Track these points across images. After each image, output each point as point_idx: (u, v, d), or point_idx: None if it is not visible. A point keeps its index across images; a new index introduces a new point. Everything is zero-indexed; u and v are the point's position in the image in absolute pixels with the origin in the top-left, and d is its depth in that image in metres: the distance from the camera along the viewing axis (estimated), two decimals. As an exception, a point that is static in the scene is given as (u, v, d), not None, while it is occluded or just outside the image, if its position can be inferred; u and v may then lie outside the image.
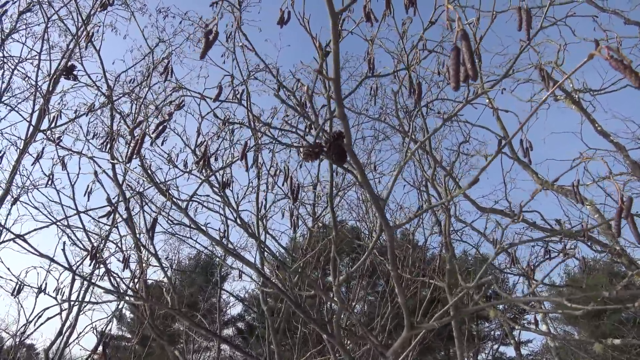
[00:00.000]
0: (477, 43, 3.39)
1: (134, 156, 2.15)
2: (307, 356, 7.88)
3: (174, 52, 8.93)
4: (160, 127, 2.19)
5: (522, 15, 1.99)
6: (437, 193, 6.31)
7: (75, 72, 3.93)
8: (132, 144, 2.01)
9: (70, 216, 6.04)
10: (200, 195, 5.44)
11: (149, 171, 3.61)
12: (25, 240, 3.76)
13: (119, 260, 4.92)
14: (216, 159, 5.51)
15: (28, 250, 3.71)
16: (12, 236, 4.09)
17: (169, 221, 4.83)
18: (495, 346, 21.31)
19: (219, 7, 6.67)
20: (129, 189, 6.04)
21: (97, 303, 6.67)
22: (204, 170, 4.01)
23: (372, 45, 3.69)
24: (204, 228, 4.27)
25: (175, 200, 3.83)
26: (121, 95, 6.91)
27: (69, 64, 4.14)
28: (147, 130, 2.00)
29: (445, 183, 6.88)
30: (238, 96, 3.51)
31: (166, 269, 5.93)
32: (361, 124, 8.82)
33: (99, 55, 6.26)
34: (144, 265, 5.18)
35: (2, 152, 5.86)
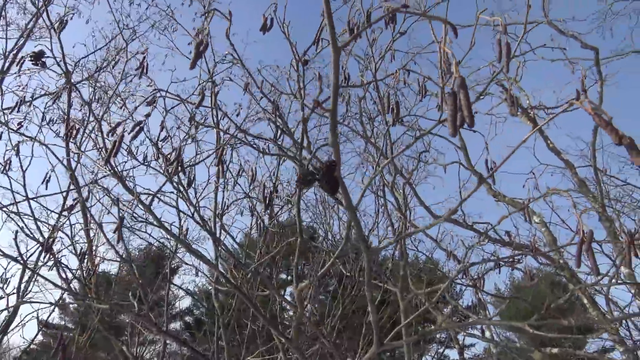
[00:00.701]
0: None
1: (111, 159, 2.10)
2: (255, 354, 7.87)
3: (138, 39, 8.73)
4: (137, 129, 2.15)
5: (502, 48, 2.06)
6: (394, 199, 6.42)
7: (44, 59, 3.76)
8: (109, 148, 1.96)
9: (19, 202, 5.80)
10: (165, 192, 5.33)
11: (115, 169, 3.51)
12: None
13: (72, 253, 4.78)
14: (178, 155, 5.41)
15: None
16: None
17: (134, 218, 4.72)
18: (441, 349, 21.86)
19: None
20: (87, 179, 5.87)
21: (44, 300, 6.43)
22: (170, 170, 3.94)
23: (348, 57, 3.74)
24: (168, 227, 4.19)
25: (140, 198, 3.75)
26: (81, 80, 6.69)
27: (38, 49, 3.95)
28: (124, 133, 1.96)
29: (404, 190, 7.01)
30: (212, 97, 3.47)
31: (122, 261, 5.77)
32: (323, 125, 8.88)
33: (58, 38, 6.03)
34: (98, 258, 5.04)
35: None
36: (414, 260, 11.66)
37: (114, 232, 3.19)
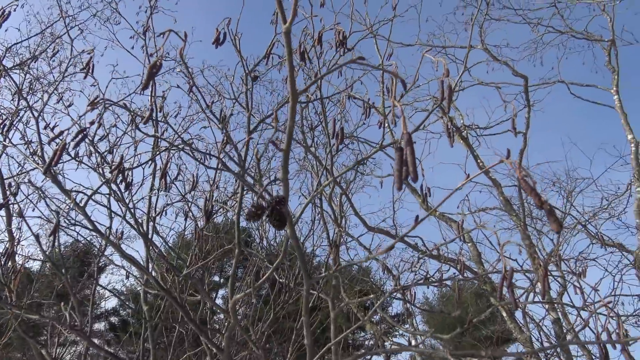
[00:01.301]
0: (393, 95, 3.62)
1: (52, 167, 2.04)
2: (182, 358, 7.74)
3: (78, 27, 8.40)
4: (80, 137, 2.10)
5: (444, 90, 2.19)
6: (331, 210, 6.54)
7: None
8: (52, 155, 1.90)
9: None
10: (99, 192, 5.16)
11: (52, 171, 3.37)
12: None
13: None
14: (111, 152, 5.27)
15: None
16: None
17: (67, 221, 4.54)
18: (368, 356, 22.29)
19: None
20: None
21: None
22: (111, 174, 3.84)
23: (297, 73, 3.79)
24: (103, 232, 4.07)
25: (76, 200, 3.63)
26: (13, 67, 6.37)
27: None
28: (65, 139, 1.91)
29: (341, 199, 7.15)
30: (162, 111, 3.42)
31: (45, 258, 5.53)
32: (264, 130, 8.91)
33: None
34: (22, 258, 4.81)
35: None
36: (345, 267, 11.87)
37: (49, 237, 3.09)
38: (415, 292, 4.61)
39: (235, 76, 5.31)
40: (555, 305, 7.32)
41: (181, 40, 2.67)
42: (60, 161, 5.58)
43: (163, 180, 3.21)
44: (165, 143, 3.75)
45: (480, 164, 9.09)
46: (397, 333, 16.79)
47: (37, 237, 4.17)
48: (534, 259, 7.40)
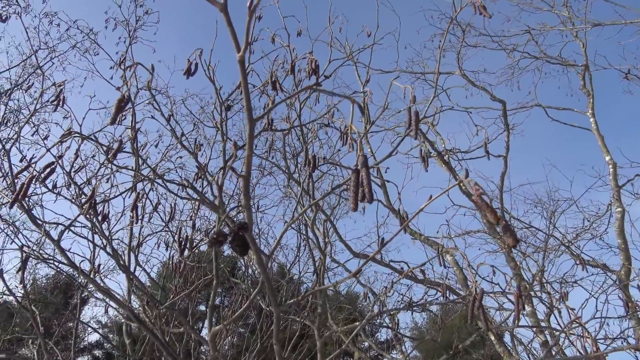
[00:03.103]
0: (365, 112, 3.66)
1: (18, 202, 2.02)
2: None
3: (56, 58, 8.41)
4: (48, 170, 2.08)
5: (411, 116, 2.22)
6: (314, 237, 6.52)
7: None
8: (17, 189, 1.88)
9: None
10: (76, 224, 5.09)
11: (24, 203, 3.33)
12: None
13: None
14: (89, 183, 5.22)
15: None
16: None
17: (39, 255, 4.45)
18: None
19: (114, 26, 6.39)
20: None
21: None
22: (84, 204, 3.79)
23: (272, 102, 3.84)
24: (80, 267, 4.00)
25: (49, 233, 3.57)
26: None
27: None
28: (33, 175, 1.88)
29: (325, 225, 7.13)
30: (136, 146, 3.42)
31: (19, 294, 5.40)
32: (223, 181, 8.89)
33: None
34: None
35: None
36: (334, 294, 11.78)
37: (17, 272, 3.02)
38: (398, 320, 4.58)
39: (215, 105, 5.34)
40: (542, 327, 7.31)
41: (157, 73, 2.68)
42: (38, 193, 5.51)
43: (134, 212, 3.18)
44: (142, 174, 3.73)
45: (463, 187, 9.16)
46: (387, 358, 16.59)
47: (1, 272, 4.08)
48: (520, 280, 7.42)
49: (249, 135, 1.72)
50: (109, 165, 3.79)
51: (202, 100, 10.96)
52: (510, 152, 9.61)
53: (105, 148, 3.49)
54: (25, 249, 3.57)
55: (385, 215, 9.19)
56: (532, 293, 7.25)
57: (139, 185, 3.79)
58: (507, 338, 8.09)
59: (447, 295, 5.44)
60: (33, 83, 6.96)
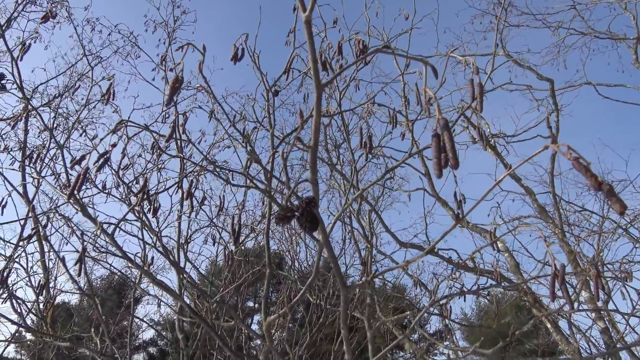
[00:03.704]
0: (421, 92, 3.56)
1: (75, 193, 2.04)
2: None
3: (101, 64, 8.63)
4: (102, 160, 2.10)
5: (474, 88, 2.12)
6: (360, 227, 6.46)
7: (4, 82, 3.69)
8: (73, 181, 1.90)
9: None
10: (128, 220, 5.21)
11: (78, 197, 3.41)
12: None
13: (28, 285, 4.59)
14: (137, 182, 5.32)
15: None
16: None
17: (95, 249, 4.58)
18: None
19: (154, 27, 6.51)
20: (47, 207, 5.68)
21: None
22: (136, 198, 3.85)
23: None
24: (132, 257, 4.08)
25: (103, 227, 3.65)
26: (40, 106, 6.55)
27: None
28: (88, 165, 1.91)
29: (370, 216, 7.05)
30: (184, 133, 3.44)
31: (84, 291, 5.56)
32: (289, 152, 8.90)
33: (15, 63, 5.91)
34: (56, 291, 4.85)
35: None
36: (381, 287, 11.67)
37: (75, 265, 3.09)
38: (450, 307, 4.44)
39: (256, 98, 5.35)
40: (602, 313, 7.00)
41: (197, 71, 2.67)
42: (89, 194, 5.66)
43: (189, 200, 3.19)
44: (191, 165, 3.75)
45: (511, 172, 8.89)
46: (437, 351, 16.35)
47: (63, 259, 4.20)
48: (576, 265, 7.12)
49: (317, 102, 1.66)
50: (161, 154, 3.82)
51: (242, 98, 11.03)
52: (559, 133, 9.24)
53: (157, 136, 3.52)
54: (84, 239, 3.66)
55: (431, 205, 9.03)
56: (590, 277, 6.93)
57: (186, 180, 3.82)
58: (563, 326, 7.80)
59: (500, 282, 5.25)
60: (79, 86, 7.16)
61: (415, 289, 8.43)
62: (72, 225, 4.55)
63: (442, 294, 6.68)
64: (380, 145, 5.59)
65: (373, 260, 8.06)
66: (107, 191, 5.10)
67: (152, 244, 5.25)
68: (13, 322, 4.02)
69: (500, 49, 9.24)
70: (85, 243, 3.61)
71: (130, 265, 5.04)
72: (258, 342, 13.01)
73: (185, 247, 6.09)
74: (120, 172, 4.46)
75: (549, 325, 7.69)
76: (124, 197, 5.19)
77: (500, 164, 9.08)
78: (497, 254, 7.97)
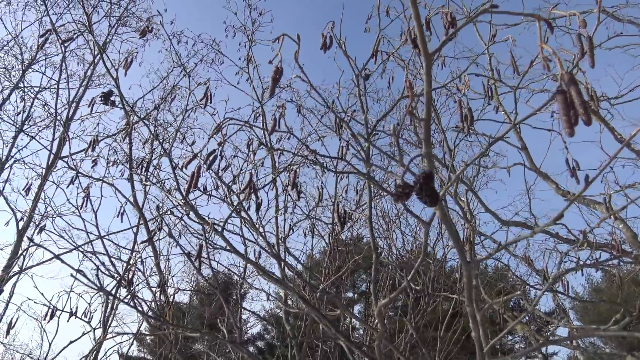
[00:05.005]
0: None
1: (191, 191, 2.17)
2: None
3: (188, 75, 9.08)
4: (212, 157, 2.21)
5: (582, 43, 1.94)
6: (459, 207, 6.25)
7: (112, 98, 4.01)
8: (187, 182, 2.02)
9: (92, 240, 6.09)
10: (231, 222, 5.46)
11: (187, 199, 3.62)
12: (62, 260, 3.80)
13: (145, 287, 4.94)
14: (235, 182, 5.53)
15: (70, 267, 3.71)
16: (45, 259, 4.10)
17: (210, 246, 4.85)
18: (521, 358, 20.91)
19: (234, 33, 6.70)
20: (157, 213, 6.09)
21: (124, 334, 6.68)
22: (241, 196, 4.02)
23: (407, 71, 3.72)
24: (241, 252, 4.27)
25: (215, 227, 3.85)
26: (141, 119, 7.01)
27: (108, 89, 4.21)
28: (200, 163, 2.01)
29: (467, 197, 6.83)
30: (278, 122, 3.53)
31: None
32: (376, 140, 8.85)
33: (116, 82, 6.35)
34: (173, 289, 5.19)
35: (29, 184, 5.94)
36: (483, 269, 11.29)
37: (195, 260, 3.29)
38: (568, 282, 4.19)
39: (340, 87, 5.34)
40: None
41: (286, 69, 2.70)
42: (193, 197, 5.97)
43: (295, 189, 3.26)
44: (287, 159, 3.83)
45: (618, 136, 8.19)
46: (549, 332, 15.56)
47: (188, 254, 4.47)
48: None
49: (427, 72, 1.63)
50: (252, 156, 3.95)
51: (324, 91, 11.11)
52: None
53: (262, 129, 3.63)
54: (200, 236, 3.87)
55: (533, 180, 8.57)
56: None
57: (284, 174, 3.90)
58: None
59: (620, 254, 4.86)
60: (175, 96, 7.60)
61: (520, 270, 8.06)
62: (185, 223, 4.83)
63: (552, 271, 6.33)
64: (480, 118, 5.39)
65: (474, 241, 7.79)
66: (208, 192, 5.35)
67: (254, 240, 5.45)
68: (143, 314, 4.33)
69: (595, 5, 8.49)
70: (201, 240, 3.82)
71: (238, 260, 5.25)
72: (361, 332, 13.12)
73: (285, 240, 6.25)
74: (220, 173, 4.66)
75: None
76: (224, 197, 5.41)
77: (605, 128, 8.39)
78: (611, 226, 7.41)
